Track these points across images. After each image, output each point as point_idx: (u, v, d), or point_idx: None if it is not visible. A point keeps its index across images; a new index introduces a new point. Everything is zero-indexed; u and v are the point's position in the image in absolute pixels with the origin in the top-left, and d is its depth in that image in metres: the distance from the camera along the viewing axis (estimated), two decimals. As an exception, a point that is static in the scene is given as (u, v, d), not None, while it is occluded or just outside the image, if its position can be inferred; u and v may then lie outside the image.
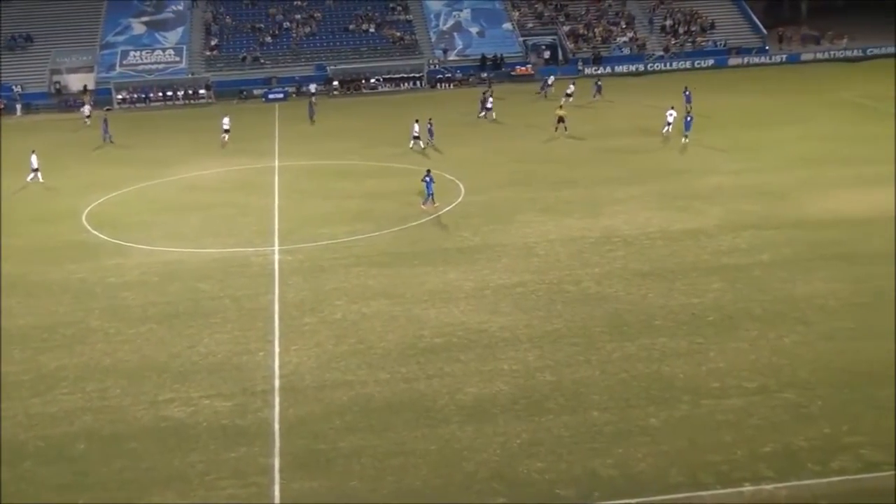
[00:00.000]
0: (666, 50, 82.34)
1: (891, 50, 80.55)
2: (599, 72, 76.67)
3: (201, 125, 62.98)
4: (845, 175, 41.60)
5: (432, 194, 39.02)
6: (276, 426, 21.90)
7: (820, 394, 22.23)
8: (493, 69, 78.49)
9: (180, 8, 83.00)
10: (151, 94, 74.95)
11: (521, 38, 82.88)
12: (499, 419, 21.76)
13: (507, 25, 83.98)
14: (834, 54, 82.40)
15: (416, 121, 51.96)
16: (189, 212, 40.95)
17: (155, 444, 21.31)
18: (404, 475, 19.70)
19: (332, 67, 77.78)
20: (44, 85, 76.81)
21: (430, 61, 79.67)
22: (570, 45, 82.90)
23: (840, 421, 20.93)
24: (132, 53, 78.67)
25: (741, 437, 20.49)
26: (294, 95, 74.34)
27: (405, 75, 77.78)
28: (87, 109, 65.68)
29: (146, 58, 78.42)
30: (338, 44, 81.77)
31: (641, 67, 79.98)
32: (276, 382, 24.09)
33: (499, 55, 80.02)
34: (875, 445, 19.85)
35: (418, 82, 77.55)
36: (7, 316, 29.31)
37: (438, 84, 77.50)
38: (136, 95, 74.90)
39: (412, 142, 51.52)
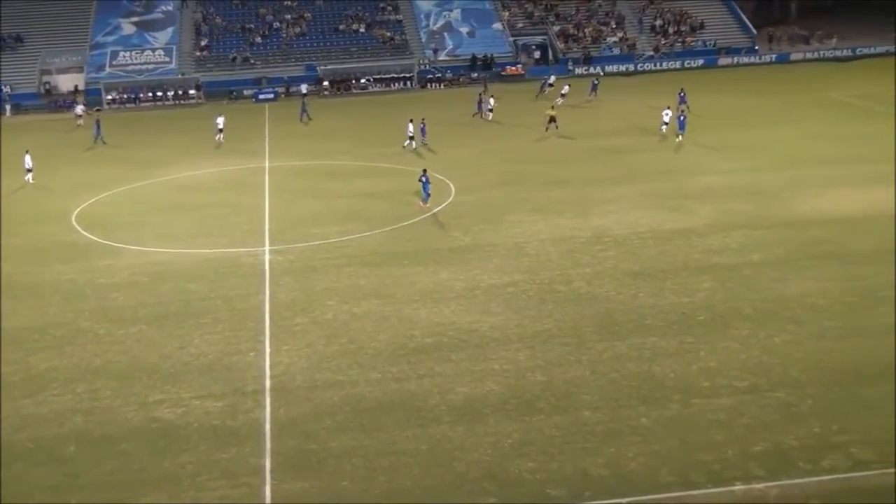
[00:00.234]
0: (656, 50, 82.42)
1: (880, 49, 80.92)
2: (598, 71, 76.20)
3: (191, 126, 62.93)
4: (836, 174, 41.70)
5: (429, 194, 39.06)
6: (267, 427, 21.87)
7: (810, 393, 22.30)
8: (483, 69, 78.49)
9: (170, 8, 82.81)
10: (141, 95, 74.72)
11: (511, 38, 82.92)
12: (490, 419, 21.77)
13: (497, 25, 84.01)
14: (823, 54, 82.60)
15: (411, 120, 51.89)
16: (179, 212, 40.86)
17: (145, 446, 21.27)
18: (395, 475, 19.70)
19: (322, 68, 77.68)
20: (33, 85, 76.60)
21: (421, 61, 79.66)
22: (559, 45, 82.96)
23: (830, 420, 20.99)
24: (122, 54, 78.48)
25: (732, 437, 20.53)
26: (283, 96, 74.30)
27: (395, 75, 77.72)
28: (79, 109, 65.49)
29: (136, 58, 78.24)
30: (328, 44, 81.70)
31: (631, 67, 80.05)
32: (267, 383, 24.06)
33: (489, 55, 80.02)
34: (865, 444, 19.92)
35: (408, 82, 77.49)
36: (-2, 317, 29.26)
37: (429, 84, 77.45)
38: (125, 96, 74.69)
39: (407, 141, 51.48)
